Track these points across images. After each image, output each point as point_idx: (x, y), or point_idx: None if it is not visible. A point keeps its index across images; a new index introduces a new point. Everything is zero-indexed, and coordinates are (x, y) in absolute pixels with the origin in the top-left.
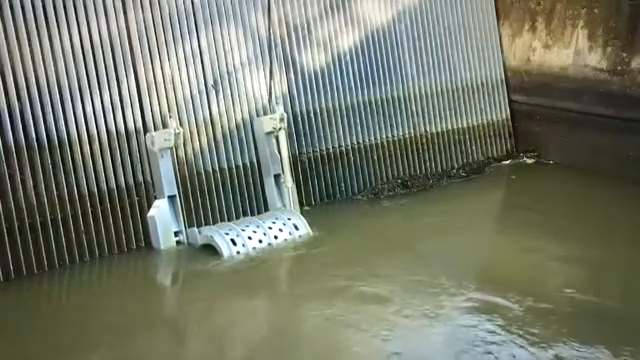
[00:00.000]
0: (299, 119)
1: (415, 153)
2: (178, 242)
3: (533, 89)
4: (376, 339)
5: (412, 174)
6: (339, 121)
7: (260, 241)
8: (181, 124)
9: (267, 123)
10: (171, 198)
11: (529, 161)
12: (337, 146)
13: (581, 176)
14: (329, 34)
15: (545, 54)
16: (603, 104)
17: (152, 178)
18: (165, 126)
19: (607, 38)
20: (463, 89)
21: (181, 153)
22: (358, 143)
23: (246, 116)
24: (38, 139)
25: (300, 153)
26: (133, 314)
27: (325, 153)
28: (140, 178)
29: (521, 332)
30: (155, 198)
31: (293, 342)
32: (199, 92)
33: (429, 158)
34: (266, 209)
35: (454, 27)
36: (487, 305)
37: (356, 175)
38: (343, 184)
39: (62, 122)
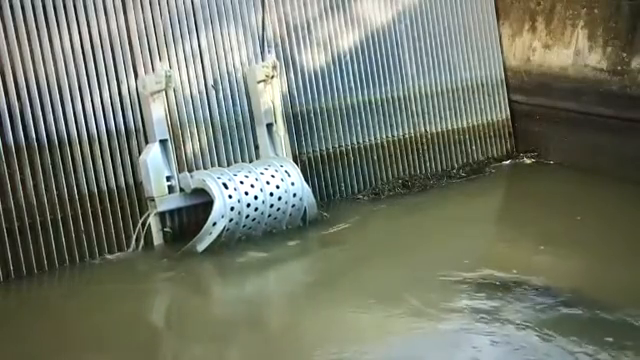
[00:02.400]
0: (299, 119)
1: (415, 153)
2: (170, 187)
3: (533, 89)
4: None
5: (412, 174)
6: (339, 121)
7: (252, 186)
8: (180, 125)
9: (259, 71)
10: (163, 142)
11: (529, 161)
12: (337, 146)
13: (581, 176)
14: (329, 34)
15: (545, 54)
16: (603, 104)
17: (144, 125)
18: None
19: (607, 38)
20: (463, 89)
21: (172, 100)
22: (358, 143)
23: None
24: (38, 139)
25: (300, 153)
26: (134, 314)
27: (325, 153)
28: (140, 178)
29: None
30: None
31: None
32: (199, 92)
33: (429, 158)
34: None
35: (454, 27)
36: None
37: (356, 175)
38: (343, 184)
39: (62, 122)
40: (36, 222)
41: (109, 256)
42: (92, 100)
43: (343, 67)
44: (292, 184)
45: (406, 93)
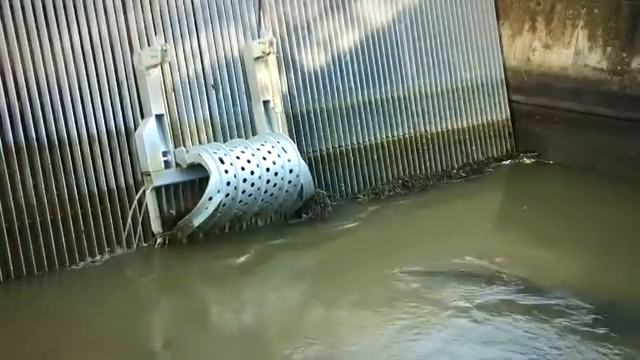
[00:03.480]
0: (299, 119)
1: (415, 153)
2: (166, 162)
3: (533, 89)
4: None
5: (412, 174)
6: (339, 121)
7: (248, 161)
8: (180, 124)
9: (256, 48)
10: (159, 117)
11: (529, 161)
12: (337, 146)
13: (581, 176)
14: (329, 34)
15: (545, 54)
16: (603, 104)
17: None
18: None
19: (607, 38)
20: (463, 89)
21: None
22: (358, 143)
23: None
24: (38, 139)
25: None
26: (134, 313)
27: (325, 153)
28: (140, 178)
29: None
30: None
31: None
32: (199, 92)
33: (429, 158)
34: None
35: (454, 27)
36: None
37: (356, 175)
38: (343, 184)
39: (62, 122)
40: (36, 222)
41: (109, 255)
42: (92, 100)
43: (343, 67)
44: (289, 160)
45: (406, 93)
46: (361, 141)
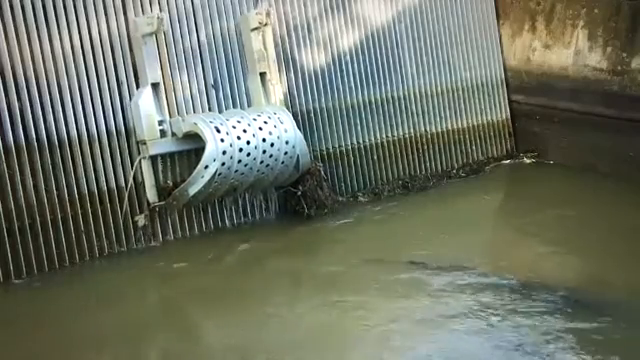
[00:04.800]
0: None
1: (415, 153)
2: (162, 132)
3: (533, 89)
4: None
5: (412, 174)
6: (339, 121)
7: (244, 131)
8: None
9: (253, 19)
10: (154, 86)
11: (529, 161)
12: (337, 146)
13: (581, 176)
14: (329, 34)
15: (545, 54)
16: (603, 104)
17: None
18: None
19: (607, 38)
20: (463, 89)
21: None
22: (358, 143)
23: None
24: (38, 139)
25: None
26: (134, 313)
27: (325, 153)
28: (140, 178)
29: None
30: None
31: None
32: (199, 92)
33: (429, 158)
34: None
35: (454, 27)
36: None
37: (356, 175)
38: (343, 184)
39: (62, 122)
40: (36, 222)
41: (109, 255)
42: (92, 100)
43: (343, 67)
44: (285, 131)
45: (406, 93)
46: (361, 141)
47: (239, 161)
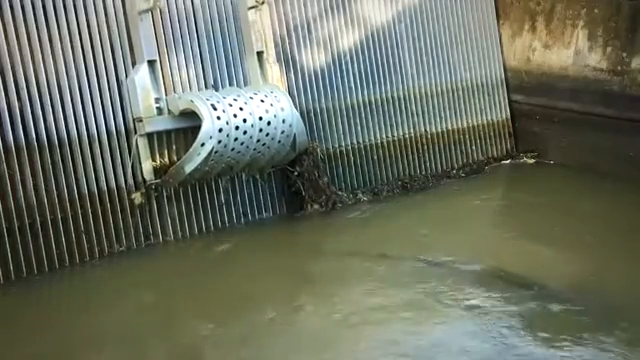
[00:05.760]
0: None
1: (415, 153)
2: (158, 109)
3: (533, 89)
4: None
5: (412, 174)
6: (339, 121)
7: (241, 109)
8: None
9: None
10: (151, 63)
11: (529, 161)
12: (337, 146)
13: (581, 176)
14: (329, 34)
15: (545, 54)
16: (603, 104)
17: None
18: None
19: (607, 38)
20: (463, 89)
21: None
22: (358, 143)
23: None
24: (38, 139)
25: None
26: (134, 313)
27: (325, 153)
28: (140, 178)
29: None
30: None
31: None
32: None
33: (429, 158)
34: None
35: (454, 27)
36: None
37: (356, 175)
38: (343, 184)
39: (62, 122)
40: (36, 222)
41: (109, 255)
42: (92, 100)
43: (343, 67)
44: (282, 109)
45: (406, 93)
46: (361, 141)
47: (235, 139)
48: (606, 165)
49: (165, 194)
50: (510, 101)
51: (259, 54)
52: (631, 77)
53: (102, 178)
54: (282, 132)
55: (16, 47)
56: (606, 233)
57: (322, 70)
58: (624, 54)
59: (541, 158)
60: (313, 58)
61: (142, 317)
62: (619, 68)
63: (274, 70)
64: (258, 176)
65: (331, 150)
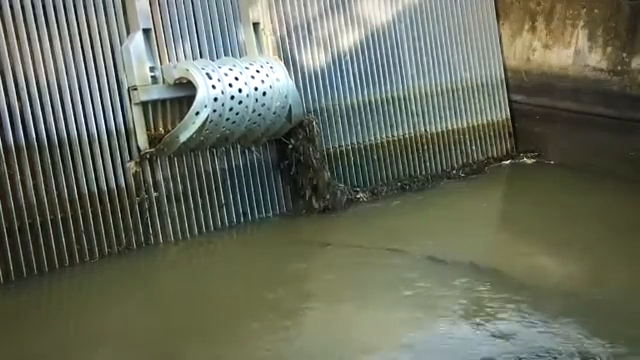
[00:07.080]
0: None
1: (415, 153)
2: (153, 78)
3: (533, 89)
4: None
5: (412, 174)
6: (339, 121)
7: (236, 79)
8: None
9: None
10: (146, 31)
11: (529, 161)
12: (337, 146)
13: (581, 176)
14: (329, 34)
15: (545, 54)
16: (603, 104)
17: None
18: None
19: (607, 38)
20: (463, 89)
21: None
22: (358, 143)
23: None
24: (38, 139)
25: None
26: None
27: (325, 153)
28: (140, 178)
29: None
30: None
31: None
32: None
33: (429, 158)
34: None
35: (454, 27)
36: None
37: (356, 175)
38: (343, 184)
39: (62, 122)
40: (36, 222)
41: (109, 255)
42: (92, 100)
43: (343, 67)
44: (277, 80)
45: (406, 93)
46: (361, 141)
47: (230, 109)
48: (606, 165)
49: (165, 194)
50: (510, 101)
51: (255, 25)
52: (631, 77)
53: (102, 178)
54: (278, 103)
55: (16, 47)
56: (606, 233)
57: (322, 70)
58: (624, 54)
59: (541, 158)
60: (313, 58)
61: (142, 318)
62: (619, 68)
63: (270, 41)
64: (253, 147)
65: (331, 150)
